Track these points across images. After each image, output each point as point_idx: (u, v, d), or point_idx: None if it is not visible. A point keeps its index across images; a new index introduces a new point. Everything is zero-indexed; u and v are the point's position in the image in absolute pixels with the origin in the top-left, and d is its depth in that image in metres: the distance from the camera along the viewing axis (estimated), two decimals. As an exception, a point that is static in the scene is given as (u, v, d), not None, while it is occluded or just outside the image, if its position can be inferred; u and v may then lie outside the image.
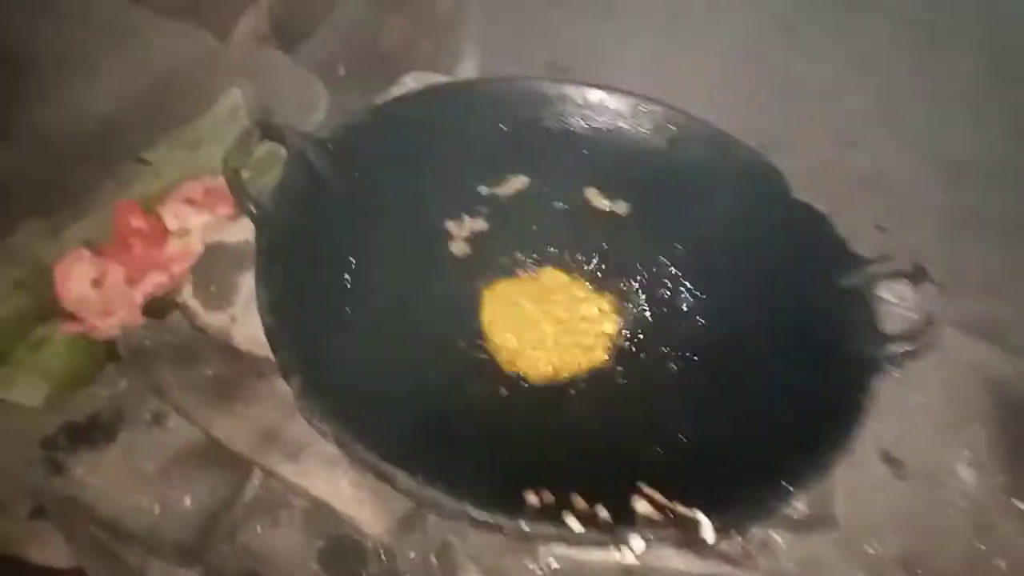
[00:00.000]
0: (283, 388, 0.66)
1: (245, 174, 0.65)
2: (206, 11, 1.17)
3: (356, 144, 0.76)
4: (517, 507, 0.54)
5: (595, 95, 0.84)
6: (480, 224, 0.81)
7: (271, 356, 0.59)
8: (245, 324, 0.72)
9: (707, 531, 0.54)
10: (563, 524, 0.53)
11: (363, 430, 0.56)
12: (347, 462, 0.62)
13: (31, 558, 0.83)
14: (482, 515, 0.53)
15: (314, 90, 1.12)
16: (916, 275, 0.65)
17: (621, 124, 0.84)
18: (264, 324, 0.61)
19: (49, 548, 0.82)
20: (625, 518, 0.54)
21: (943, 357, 0.81)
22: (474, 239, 0.81)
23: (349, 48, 1.20)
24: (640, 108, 0.84)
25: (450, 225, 0.81)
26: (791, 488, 0.56)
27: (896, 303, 0.83)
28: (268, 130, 0.72)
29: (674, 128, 0.82)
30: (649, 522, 0.55)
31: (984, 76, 0.92)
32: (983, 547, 0.67)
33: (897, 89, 0.95)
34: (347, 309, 0.71)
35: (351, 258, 0.74)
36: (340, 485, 0.63)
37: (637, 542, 0.54)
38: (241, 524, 0.64)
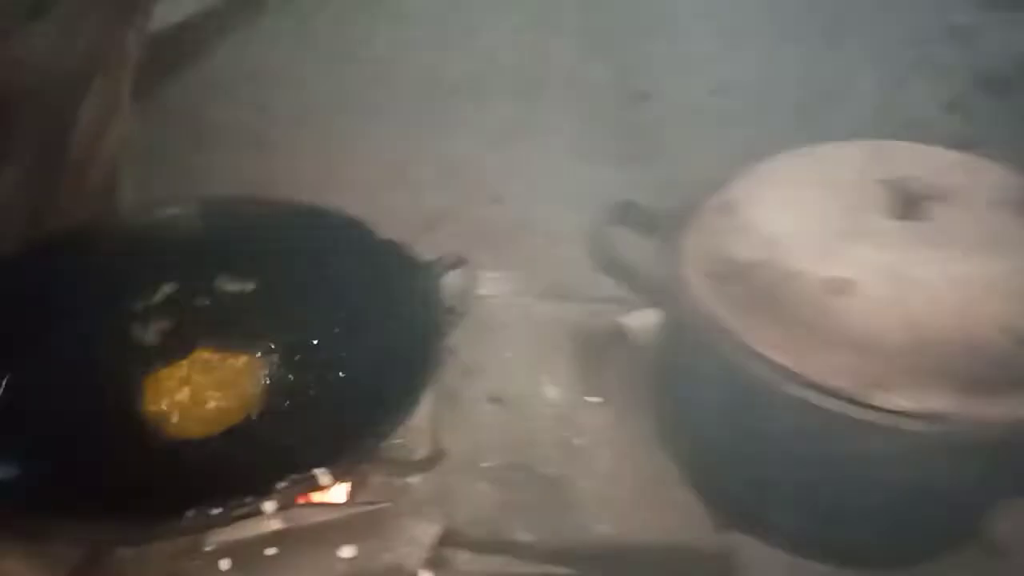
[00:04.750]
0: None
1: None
2: None
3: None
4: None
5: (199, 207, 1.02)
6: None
7: None
8: None
9: (324, 477, 0.70)
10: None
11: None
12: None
13: None
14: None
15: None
16: (459, 262, 0.88)
17: (229, 219, 1.02)
18: None
19: None
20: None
21: (532, 321, 1.05)
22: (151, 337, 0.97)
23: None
24: (236, 205, 1.03)
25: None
26: (391, 423, 0.75)
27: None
28: None
29: (265, 212, 1.02)
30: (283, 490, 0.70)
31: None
32: (566, 434, 0.88)
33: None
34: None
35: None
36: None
37: (270, 505, 0.69)
38: None
